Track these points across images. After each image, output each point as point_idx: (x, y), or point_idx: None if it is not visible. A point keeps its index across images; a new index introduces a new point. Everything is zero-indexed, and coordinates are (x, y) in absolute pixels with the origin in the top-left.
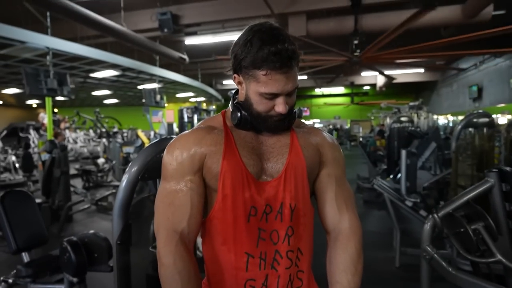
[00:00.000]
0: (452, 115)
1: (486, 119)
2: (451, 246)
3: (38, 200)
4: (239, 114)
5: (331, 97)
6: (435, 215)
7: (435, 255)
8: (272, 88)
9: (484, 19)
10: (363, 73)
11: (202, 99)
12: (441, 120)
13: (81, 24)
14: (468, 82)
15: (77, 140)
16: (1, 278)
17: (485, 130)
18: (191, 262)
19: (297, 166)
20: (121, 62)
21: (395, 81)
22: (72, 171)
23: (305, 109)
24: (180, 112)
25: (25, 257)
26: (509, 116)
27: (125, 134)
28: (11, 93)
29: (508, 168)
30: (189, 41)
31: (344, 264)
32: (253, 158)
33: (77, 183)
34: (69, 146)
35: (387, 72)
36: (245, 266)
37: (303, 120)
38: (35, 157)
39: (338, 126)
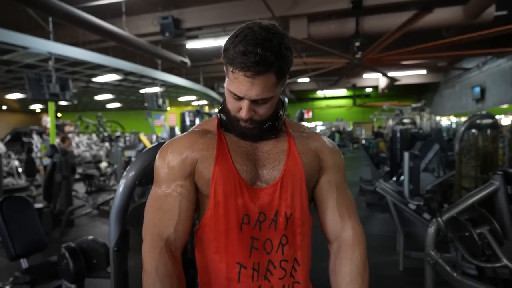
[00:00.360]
0: (455, 116)
1: (490, 120)
2: (456, 250)
3: (39, 205)
4: (220, 117)
5: (333, 99)
6: (439, 219)
7: (440, 259)
8: (236, 89)
9: (486, 20)
10: (365, 75)
11: (205, 102)
12: (444, 121)
13: (83, 29)
14: (471, 83)
15: (80, 144)
16: None
17: (488, 131)
18: (175, 270)
19: (295, 173)
20: (123, 66)
21: (397, 82)
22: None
23: (305, 111)
24: (182, 115)
25: (24, 263)
26: None
27: (127, 138)
28: (14, 98)
29: None
30: (191, 45)
31: (351, 276)
32: (246, 164)
33: (80, 187)
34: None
35: (389, 74)
36: (237, 277)
37: (304, 123)
38: (38, 161)
39: (341, 128)
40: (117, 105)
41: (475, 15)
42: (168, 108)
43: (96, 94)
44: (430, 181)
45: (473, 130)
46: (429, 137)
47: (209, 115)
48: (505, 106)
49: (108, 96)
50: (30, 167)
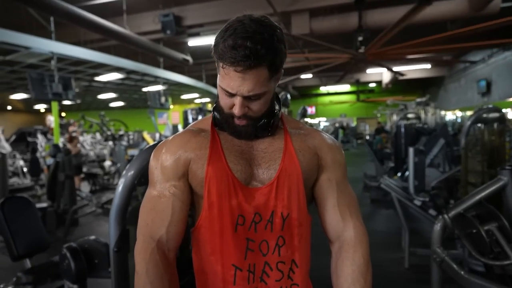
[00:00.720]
0: (461, 110)
1: (496, 114)
2: (463, 247)
3: (43, 204)
4: (214, 115)
5: (337, 95)
6: (445, 216)
7: (446, 257)
8: (227, 85)
9: (492, 12)
10: (369, 70)
11: (207, 100)
12: (449, 116)
13: (85, 28)
14: (477, 77)
15: (84, 143)
16: (1, 286)
17: (495, 125)
18: (167, 272)
19: (291, 172)
20: (125, 65)
21: (401, 77)
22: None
23: (308, 107)
24: (185, 113)
25: (26, 263)
26: None
27: (131, 137)
28: (19, 99)
29: None
30: (192, 42)
31: (353, 277)
32: (240, 163)
33: (84, 186)
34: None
35: (393, 69)
36: (233, 280)
37: (308, 119)
38: (42, 161)
39: (344, 124)
40: (120, 103)
41: (480, 7)
42: (171, 106)
43: (99, 93)
44: (436, 176)
45: (479, 124)
46: (434, 132)
47: (212, 112)
48: (511, 99)
49: (111, 95)
50: (34, 167)
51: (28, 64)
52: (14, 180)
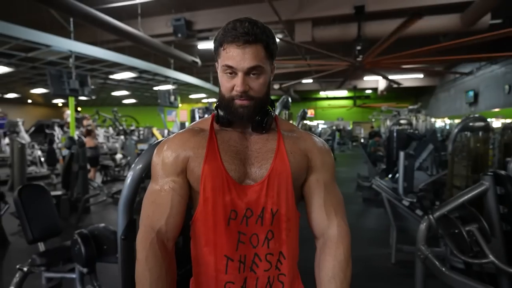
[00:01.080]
0: (449, 118)
1: (482, 123)
2: (445, 245)
3: (58, 192)
4: (217, 112)
5: (335, 99)
6: (431, 216)
7: (429, 255)
8: (229, 60)
9: (482, 28)
10: (366, 78)
11: (214, 100)
12: (439, 123)
13: (101, 30)
14: (465, 88)
15: (98, 137)
16: (17, 267)
17: (480, 133)
18: (165, 260)
19: (282, 172)
20: (138, 64)
21: (395, 85)
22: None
23: (308, 110)
24: (192, 112)
25: (40, 247)
26: (503, 120)
27: (141, 132)
28: (38, 93)
29: (503, 172)
30: (202, 45)
31: (333, 271)
32: (235, 163)
33: (96, 177)
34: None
35: (389, 77)
36: (225, 269)
37: (307, 121)
38: (58, 152)
39: (341, 127)
40: (132, 101)
41: (471, 23)
42: (180, 105)
43: (113, 90)
44: (424, 179)
45: (466, 132)
46: (424, 137)
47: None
48: (496, 110)
49: (124, 92)
50: (51, 157)
51: (48, 61)
52: (32, 169)
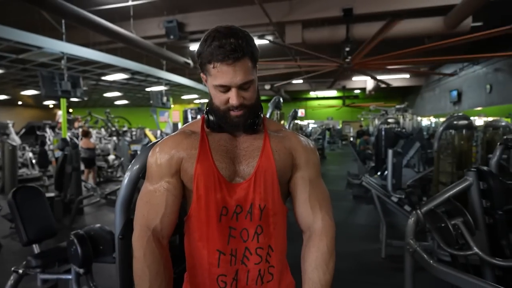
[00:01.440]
0: (434, 117)
1: (465, 122)
2: (433, 239)
3: (51, 194)
4: (207, 118)
5: (325, 99)
6: (418, 211)
7: (418, 248)
8: (221, 80)
9: (464, 30)
10: (354, 78)
11: (206, 100)
12: (425, 121)
13: (94, 31)
14: (449, 87)
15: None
16: (12, 269)
17: (464, 131)
18: (162, 256)
19: (267, 169)
20: (130, 66)
21: (383, 85)
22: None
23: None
24: (185, 112)
25: (35, 248)
26: (485, 119)
27: (134, 133)
28: (29, 95)
29: (485, 168)
30: (194, 47)
31: (316, 262)
32: (225, 162)
33: (89, 178)
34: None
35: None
36: (217, 262)
37: (298, 121)
38: (50, 154)
39: (331, 126)
40: (124, 102)
41: (454, 25)
42: (172, 106)
43: (105, 92)
44: (411, 176)
45: (450, 130)
46: (411, 136)
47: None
48: (479, 108)
49: (116, 93)
50: (43, 159)
51: (39, 62)
52: (23, 171)
